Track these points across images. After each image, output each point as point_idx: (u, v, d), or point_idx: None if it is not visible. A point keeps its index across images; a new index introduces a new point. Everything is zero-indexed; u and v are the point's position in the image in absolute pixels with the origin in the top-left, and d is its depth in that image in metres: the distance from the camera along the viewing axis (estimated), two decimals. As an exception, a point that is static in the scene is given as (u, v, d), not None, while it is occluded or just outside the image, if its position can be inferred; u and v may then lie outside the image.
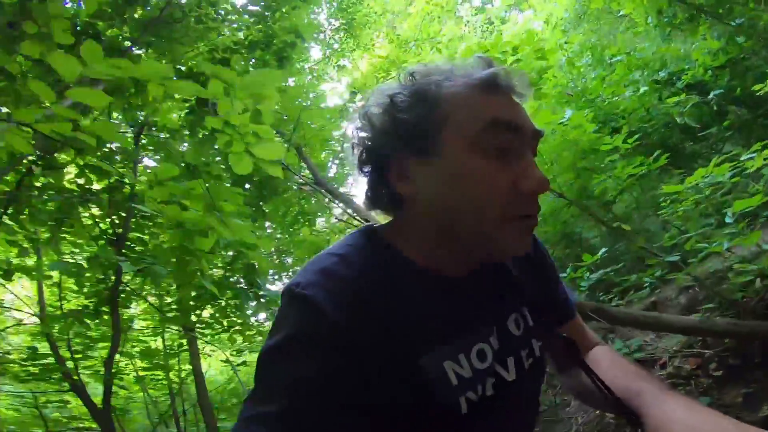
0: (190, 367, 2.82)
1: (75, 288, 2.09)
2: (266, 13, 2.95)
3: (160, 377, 2.78)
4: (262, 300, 2.15)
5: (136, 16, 2.37)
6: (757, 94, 2.59)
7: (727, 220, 1.66)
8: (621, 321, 1.73)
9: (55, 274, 2.16)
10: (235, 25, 2.94)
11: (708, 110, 2.97)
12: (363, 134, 0.51)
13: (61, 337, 2.12)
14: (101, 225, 2.28)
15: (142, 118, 2.59)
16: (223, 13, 2.86)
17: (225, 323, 2.46)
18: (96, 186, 2.29)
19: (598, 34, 4.03)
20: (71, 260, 2.15)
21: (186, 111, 2.97)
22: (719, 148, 3.17)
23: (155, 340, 2.77)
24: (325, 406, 0.39)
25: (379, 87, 0.52)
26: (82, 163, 2.31)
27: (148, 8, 2.33)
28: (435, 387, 0.44)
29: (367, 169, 0.52)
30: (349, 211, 3.22)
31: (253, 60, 3.10)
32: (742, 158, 1.89)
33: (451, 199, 0.46)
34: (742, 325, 1.43)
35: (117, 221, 2.48)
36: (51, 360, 2.19)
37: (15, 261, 2.08)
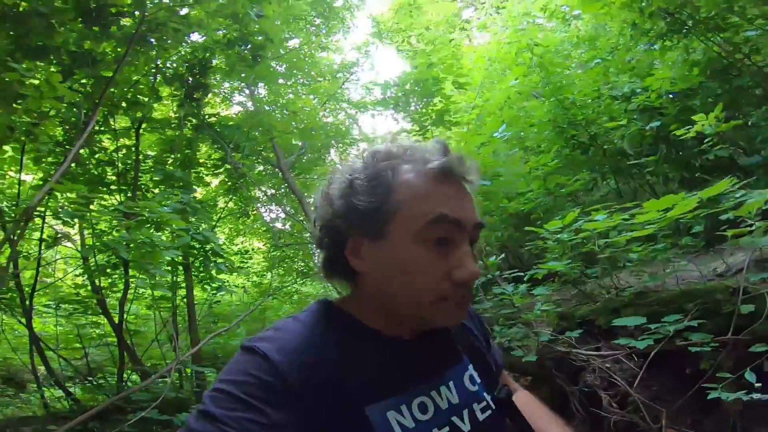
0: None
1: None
2: (240, 15, 3.46)
3: (166, 305, 4.06)
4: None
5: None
6: (680, 138, 2.71)
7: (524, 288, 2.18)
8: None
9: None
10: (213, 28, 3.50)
11: (647, 139, 3.06)
12: (323, 213, 0.58)
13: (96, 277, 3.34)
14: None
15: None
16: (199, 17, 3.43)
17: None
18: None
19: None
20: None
21: (177, 103, 3.77)
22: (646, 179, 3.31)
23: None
24: None
25: (342, 167, 0.59)
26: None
27: (124, 26, 3.01)
28: None
29: (326, 243, 0.59)
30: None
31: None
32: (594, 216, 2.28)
33: (392, 280, 0.54)
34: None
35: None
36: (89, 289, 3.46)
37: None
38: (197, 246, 3.32)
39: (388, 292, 0.55)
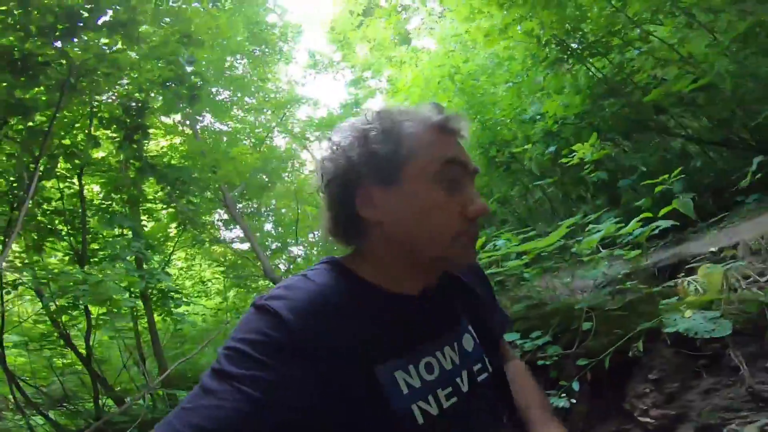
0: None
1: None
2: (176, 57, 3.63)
3: (128, 333, 4.30)
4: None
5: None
6: (567, 164, 3.22)
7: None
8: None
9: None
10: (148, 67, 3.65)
11: (546, 162, 3.55)
12: (332, 164, 0.60)
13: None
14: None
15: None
16: (133, 57, 3.58)
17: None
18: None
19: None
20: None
21: (117, 145, 3.91)
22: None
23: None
24: (277, 408, 0.47)
25: (349, 122, 0.62)
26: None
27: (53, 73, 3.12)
28: (388, 395, 0.53)
29: (333, 200, 0.61)
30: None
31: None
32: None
33: (412, 223, 0.58)
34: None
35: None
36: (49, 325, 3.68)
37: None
38: (153, 285, 3.60)
39: (405, 238, 0.59)
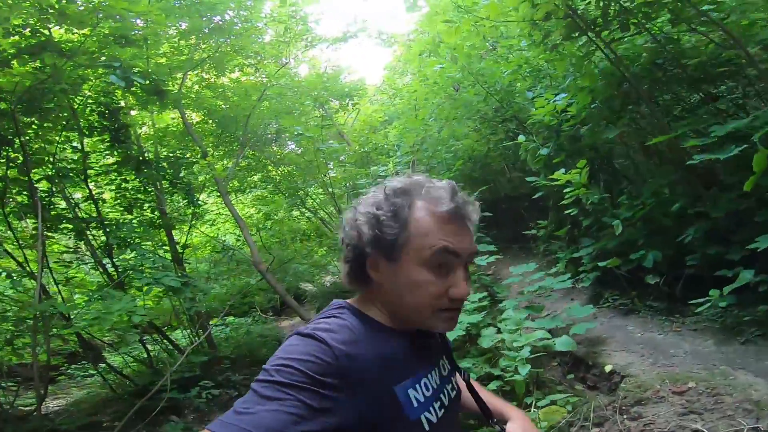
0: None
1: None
2: None
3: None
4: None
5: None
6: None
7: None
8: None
9: None
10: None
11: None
12: (353, 232, 0.79)
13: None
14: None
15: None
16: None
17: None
18: None
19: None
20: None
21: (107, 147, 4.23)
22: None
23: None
24: (330, 417, 0.61)
25: (372, 198, 0.81)
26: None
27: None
28: (405, 408, 0.71)
29: (350, 258, 0.81)
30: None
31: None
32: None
33: (402, 294, 0.76)
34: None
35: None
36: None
37: None
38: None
39: (398, 302, 0.77)
